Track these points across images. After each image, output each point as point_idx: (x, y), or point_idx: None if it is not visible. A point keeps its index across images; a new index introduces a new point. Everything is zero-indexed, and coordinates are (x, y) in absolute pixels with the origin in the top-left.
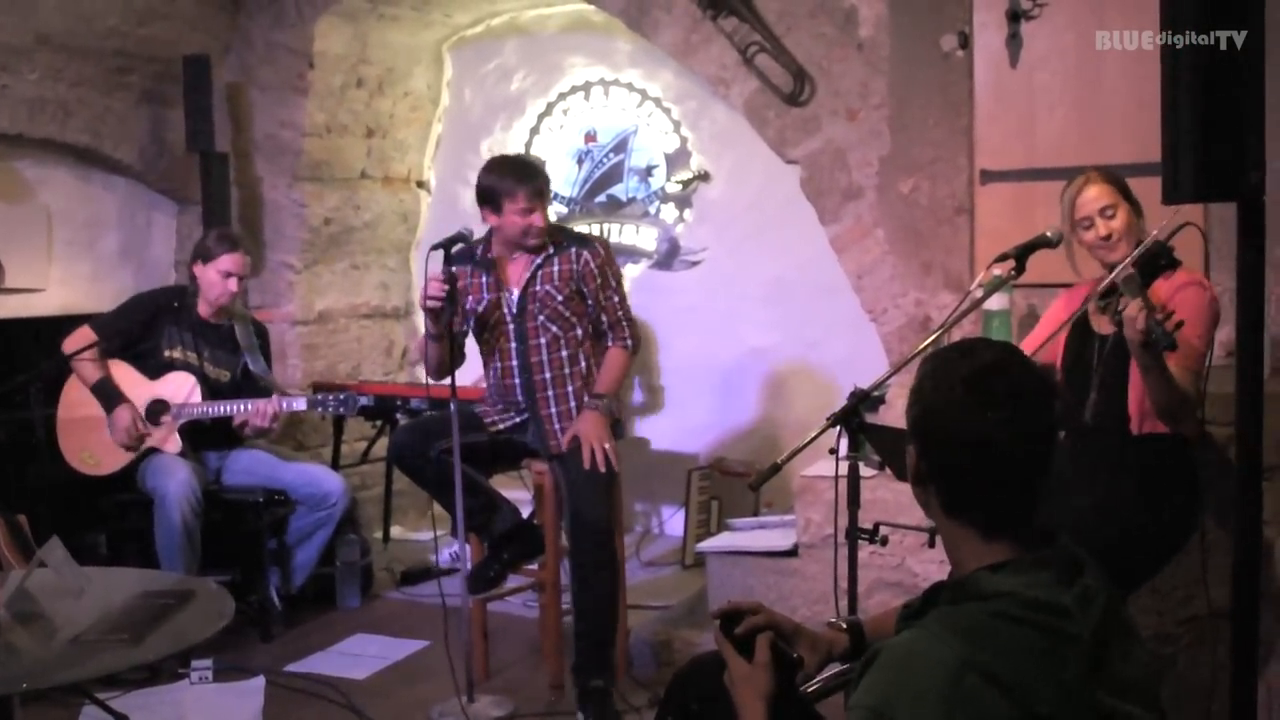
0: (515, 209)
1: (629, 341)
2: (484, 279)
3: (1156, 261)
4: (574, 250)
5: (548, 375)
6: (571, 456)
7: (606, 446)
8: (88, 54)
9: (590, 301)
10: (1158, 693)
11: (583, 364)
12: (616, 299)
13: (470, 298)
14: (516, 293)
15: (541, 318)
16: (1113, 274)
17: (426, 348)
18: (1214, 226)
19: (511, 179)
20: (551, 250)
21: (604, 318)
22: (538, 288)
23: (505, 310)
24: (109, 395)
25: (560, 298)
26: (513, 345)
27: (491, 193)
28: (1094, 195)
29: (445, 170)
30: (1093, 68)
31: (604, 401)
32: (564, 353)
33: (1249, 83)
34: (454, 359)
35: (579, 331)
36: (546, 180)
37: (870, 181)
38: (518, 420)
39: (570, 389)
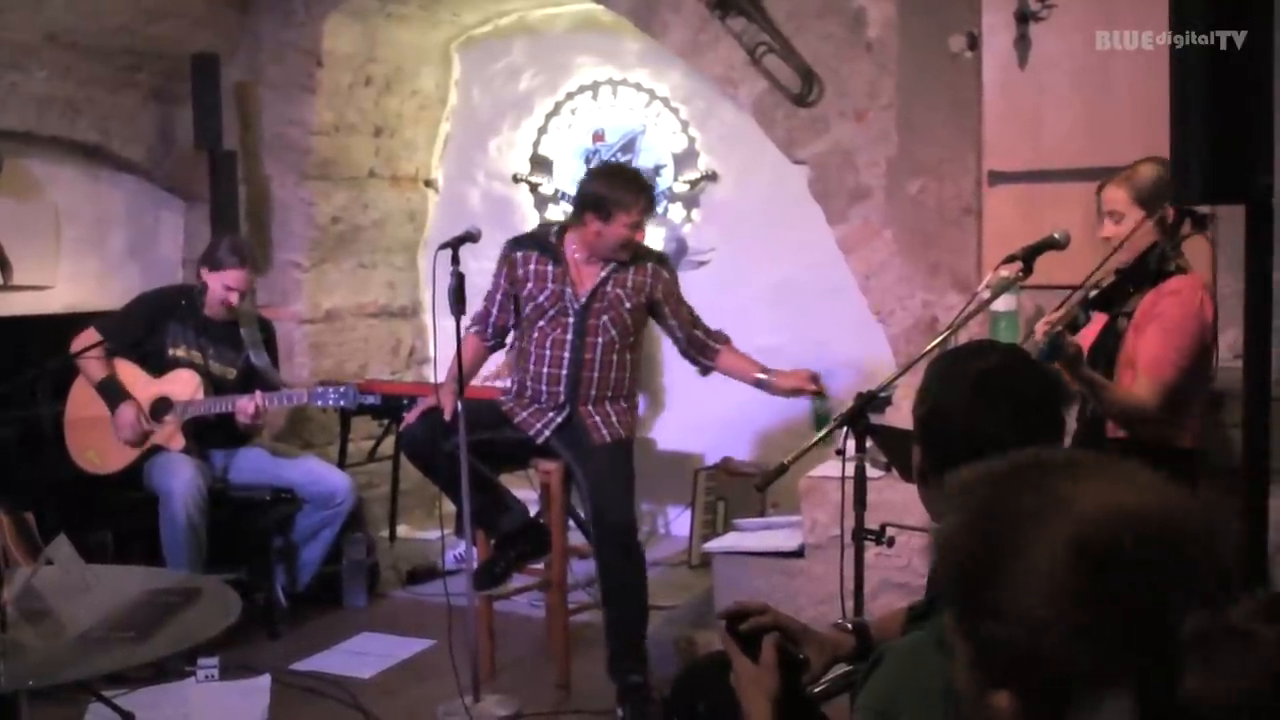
0: (627, 221)
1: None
2: (550, 268)
3: (1146, 269)
4: (649, 265)
5: (595, 375)
6: (595, 455)
7: None
8: (96, 52)
9: (673, 320)
10: None
11: (626, 373)
12: (693, 312)
13: (531, 285)
14: (586, 290)
15: (605, 319)
16: (1082, 285)
17: (466, 343)
18: (1222, 228)
19: (632, 193)
20: (626, 258)
21: (696, 332)
22: (609, 289)
23: (568, 304)
24: (113, 393)
25: (628, 305)
26: (569, 338)
27: (604, 201)
28: (1107, 197)
29: (453, 169)
30: (1101, 69)
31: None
32: (614, 357)
33: (1259, 85)
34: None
35: (630, 341)
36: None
37: (878, 182)
38: (559, 421)
39: (610, 393)
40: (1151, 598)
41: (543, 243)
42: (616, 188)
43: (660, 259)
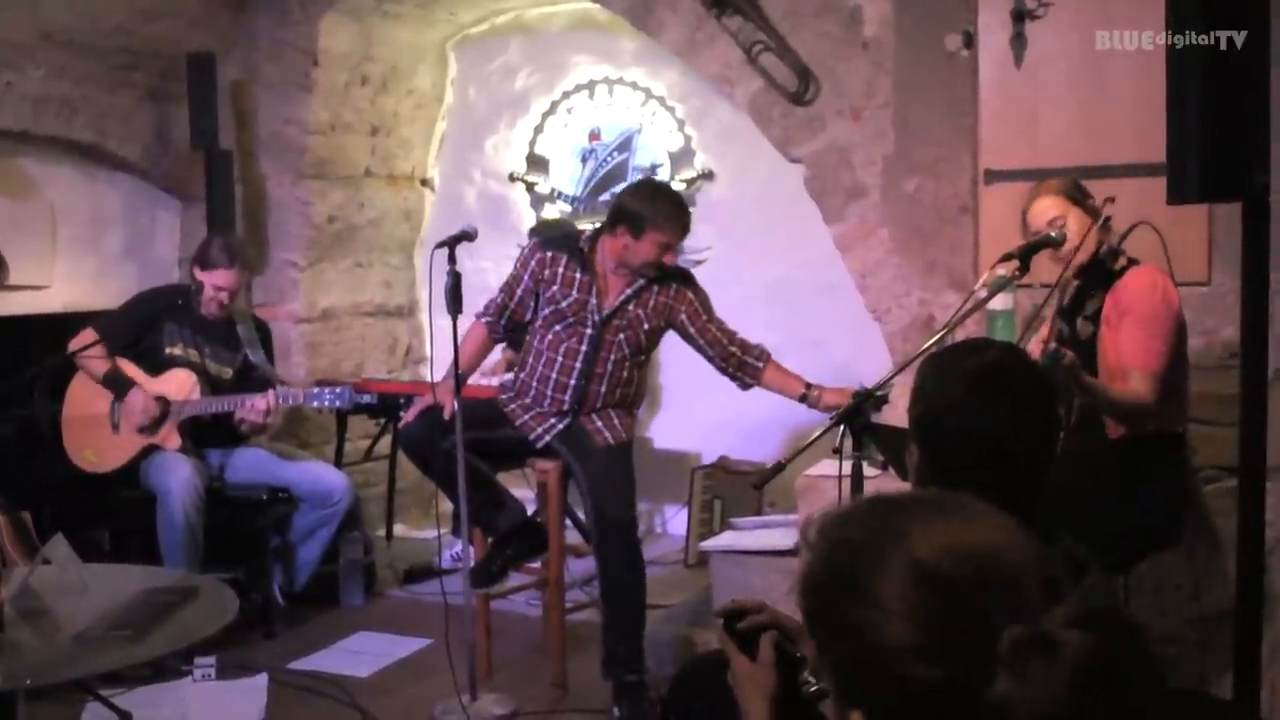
0: (658, 240)
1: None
2: (578, 275)
3: (1102, 269)
4: (674, 286)
5: (603, 389)
6: (595, 455)
7: None
8: (92, 51)
9: (700, 339)
10: None
11: (632, 387)
12: (725, 329)
13: (556, 288)
14: (610, 305)
15: (621, 336)
16: (1056, 284)
17: (473, 332)
18: (1219, 227)
19: (667, 215)
20: (652, 274)
21: (732, 349)
22: (631, 308)
23: (589, 314)
24: (119, 383)
25: (647, 326)
26: (583, 349)
27: (640, 217)
28: (1041, 208)
29: (449, 168)
30: (1097, 68)
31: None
32: (624, 373)
33: (1255, 84)
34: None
35: (641, 359)
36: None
37: (874, 181)
38: (560, 427)
39: (615, 403)
40: (978, 619)
41: (572, 247)
42: (654, 207)
43: (685, 278)
